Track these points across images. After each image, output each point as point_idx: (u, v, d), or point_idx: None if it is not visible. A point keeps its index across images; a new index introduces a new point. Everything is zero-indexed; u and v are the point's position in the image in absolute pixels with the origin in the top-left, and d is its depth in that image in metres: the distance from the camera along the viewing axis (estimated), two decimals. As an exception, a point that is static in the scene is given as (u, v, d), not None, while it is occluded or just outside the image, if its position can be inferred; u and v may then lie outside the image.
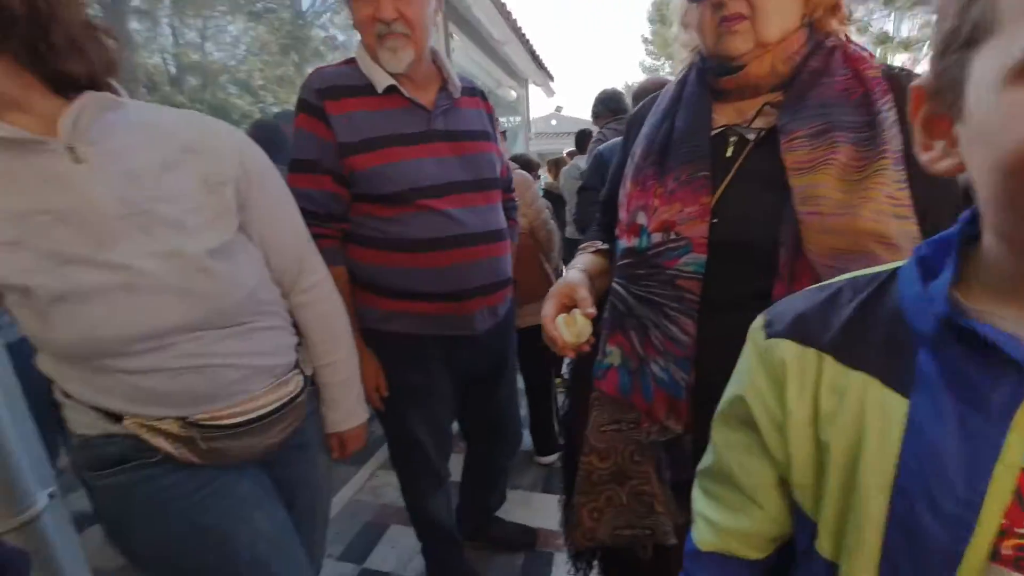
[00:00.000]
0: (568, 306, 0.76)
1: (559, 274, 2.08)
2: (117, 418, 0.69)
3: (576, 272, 0.82)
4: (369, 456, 2.23)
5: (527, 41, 4.70)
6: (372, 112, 1.04)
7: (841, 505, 0.35)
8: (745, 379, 0.43)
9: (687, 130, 0.72)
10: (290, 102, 2.05)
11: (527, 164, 2.60)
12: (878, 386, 0.34)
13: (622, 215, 0.77)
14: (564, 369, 2.97)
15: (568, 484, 0.89)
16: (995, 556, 0.28)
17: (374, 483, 2.10)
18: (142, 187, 0.66)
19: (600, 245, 0.88)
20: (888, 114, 0.60)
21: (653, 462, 0.73)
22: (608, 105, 2.34)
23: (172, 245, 0.67)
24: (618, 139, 1.71)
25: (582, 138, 3.80)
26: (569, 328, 0.72)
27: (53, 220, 0.61)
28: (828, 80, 0.64)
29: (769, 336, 0.41)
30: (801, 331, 0.39)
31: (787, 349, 0.39)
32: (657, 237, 0.70)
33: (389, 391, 1.17)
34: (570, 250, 3.23)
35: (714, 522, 0.48)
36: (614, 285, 0.76)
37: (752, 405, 0.41)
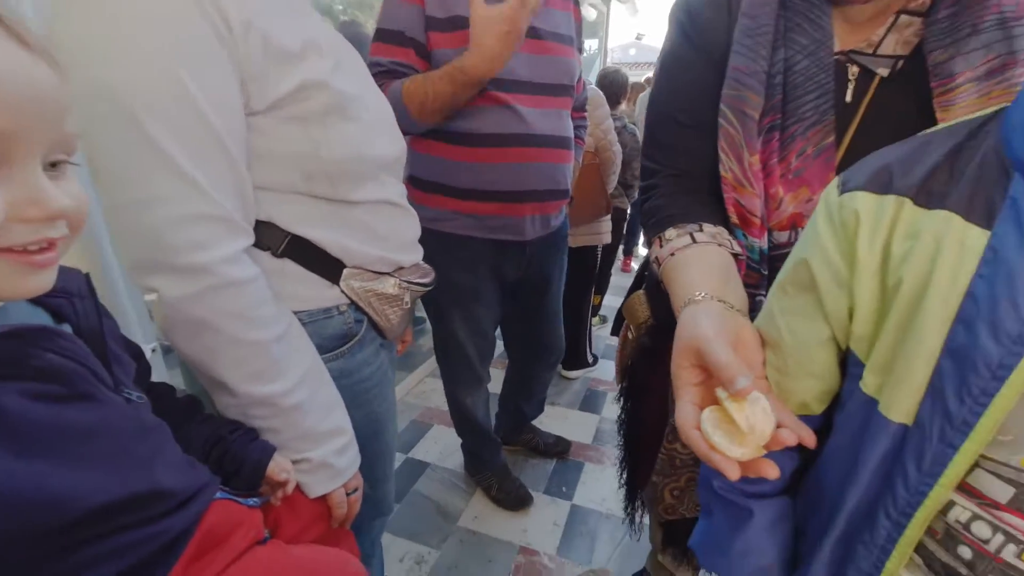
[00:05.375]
0: (705, 382, 0.43)
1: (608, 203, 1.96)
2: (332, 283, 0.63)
3: (708, 305, 0.46)
4: (418, 364, 2.35)
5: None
6: None
7: (894, 341, 0.35)
8: (809, 242, 0.41)
9: (809, 68, 0.50)
10: (368, 26, 1.99)
11: (613, 83, 2.25)
12: (959, 221, 0.32)
13: (728, 194, 0.56)
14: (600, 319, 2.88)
15: (628, 456, 0.93)
16: None
17: (421, 388, 2.23)
18: None
19: (726, 241, 0.56)
20: None
21: None
22: None
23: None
24: None
25: None
26: (729, 430, 0.37)
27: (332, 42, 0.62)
28: None
29: (844, 191, 0.38)
30: (882, 181, 0.36)
31: (862, 200, 0.36)
32: (782, 237, 0.56)
33: (436, 290, 1.17)
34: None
35: None
36: None
37: (814, 265, 0.39)
